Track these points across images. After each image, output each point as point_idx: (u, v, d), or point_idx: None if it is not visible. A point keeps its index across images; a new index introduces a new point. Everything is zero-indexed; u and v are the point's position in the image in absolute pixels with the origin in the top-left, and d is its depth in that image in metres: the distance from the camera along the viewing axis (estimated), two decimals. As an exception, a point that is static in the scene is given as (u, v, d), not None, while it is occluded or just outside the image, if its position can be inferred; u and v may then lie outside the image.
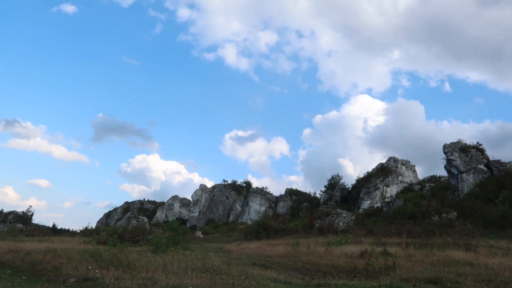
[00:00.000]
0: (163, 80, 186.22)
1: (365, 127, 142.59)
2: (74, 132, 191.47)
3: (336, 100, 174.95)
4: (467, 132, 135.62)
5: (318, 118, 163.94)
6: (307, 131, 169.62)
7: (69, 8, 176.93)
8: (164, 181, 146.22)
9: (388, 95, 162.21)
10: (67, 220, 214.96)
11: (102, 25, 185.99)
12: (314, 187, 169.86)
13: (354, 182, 59.86)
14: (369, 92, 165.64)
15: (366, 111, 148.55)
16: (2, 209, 40.12)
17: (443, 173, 53.71)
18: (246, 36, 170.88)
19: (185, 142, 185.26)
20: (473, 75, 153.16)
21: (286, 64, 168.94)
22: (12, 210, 39.57)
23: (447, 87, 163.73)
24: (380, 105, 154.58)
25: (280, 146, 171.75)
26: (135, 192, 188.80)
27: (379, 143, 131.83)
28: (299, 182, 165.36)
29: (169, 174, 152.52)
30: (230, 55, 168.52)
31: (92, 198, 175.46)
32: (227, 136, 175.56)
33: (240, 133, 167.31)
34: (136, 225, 42.06)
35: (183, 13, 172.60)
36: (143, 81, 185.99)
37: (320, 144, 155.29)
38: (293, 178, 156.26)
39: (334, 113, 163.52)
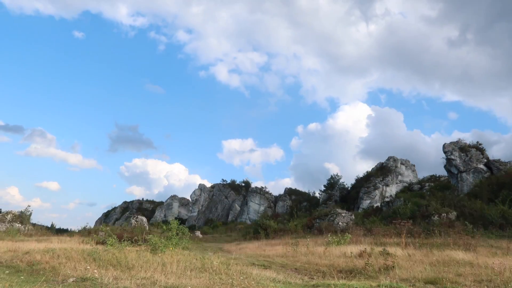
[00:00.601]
0: (166, 96, 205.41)
1: (347, 136, 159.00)
2: (92, 144, 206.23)
3: (320, 112, 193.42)
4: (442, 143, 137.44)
5: (304, 128, 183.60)
6: (294, 140, 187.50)
7: (79, 34, 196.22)
8: (168, 185, 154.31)
9: (366, 109, 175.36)
10: (70, 220, 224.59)
11: (108, 49, 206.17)
12: (305, 189, 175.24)
13: (353, 181, 59.97)
14: (349, 105, 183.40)
15: (348, 121, 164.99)
16: (0, 209, 39.99)
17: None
18: (236, 56, 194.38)
19: (187, 149, 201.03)
20: (447, 96, 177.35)
21: (273, 80, 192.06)
22: (10, 209, 39.50)
23: (421, 103, 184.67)
24: (361, 116, 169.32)
25: (274, 153, 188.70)
26: (141, 195, 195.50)
27: (361, 149, 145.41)
28: (290, 186, 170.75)
29: (173, 177, 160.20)
30: (222, 72, 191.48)
31: (98, 200, 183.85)
32: (225, 143, 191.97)
33: (237, 142, 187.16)
34: (134, 225, 41.97)
35: (181, 36, 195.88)
36: (154, 98, 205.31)
37: (307, 150, 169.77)
38: (285, 181, 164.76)
39: (317, 124, 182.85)
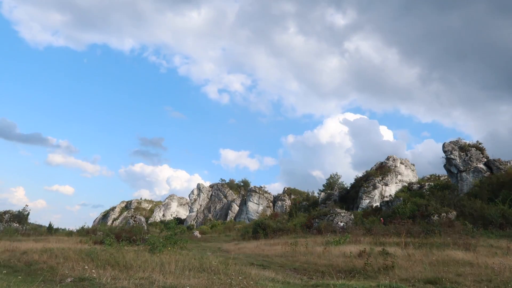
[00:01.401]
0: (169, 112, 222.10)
1: (330, 145, 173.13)
2: (111, 156, 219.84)
3: (303, 126, 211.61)
4: (419, 151, 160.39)
5: (290, 139, 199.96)
6: (282, 150, 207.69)
7: (88, 62, 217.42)
8: (171, 189, 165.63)
9: (344, 124, 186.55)
10: (73, 221, 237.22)
11: (115, 71, 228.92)
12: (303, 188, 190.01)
13: (352, 181, 59.88)
14: (328, 120, 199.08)
15: (328, 133, 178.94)
16: (-3, 208, 39.84)
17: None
18: (225, 77, 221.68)
19: (189, 156, 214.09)
20: (419, 117, 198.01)
21: (259, 99, 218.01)
22: (8, 209, 39.35)
23: (398, 120, 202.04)
24: (340, 129, 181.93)
25: (267, 162, 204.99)
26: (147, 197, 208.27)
27: (344, 156, 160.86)
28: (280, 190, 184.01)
29: (177, 182, 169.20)
30: (212, 91, 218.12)
31: (104, 202, 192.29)
32: (222, 151, 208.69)
33: (233, 152, 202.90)
34: (133, 225, 41.92)
35: (177, 61, 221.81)
36: (164, 116, 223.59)
37: (293, 159, 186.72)
38: (276, 185, 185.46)
39: (302, 136, 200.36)
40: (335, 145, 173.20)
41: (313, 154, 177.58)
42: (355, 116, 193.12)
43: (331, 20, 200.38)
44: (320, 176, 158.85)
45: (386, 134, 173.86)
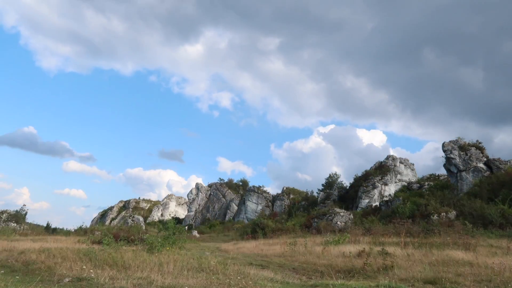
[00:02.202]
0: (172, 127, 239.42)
1: (317, 153, 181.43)
2: (122, 165, 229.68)
3: (289, 138, 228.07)
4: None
5: (279, 150, 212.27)
6: (271, 158, 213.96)
7: (93, 84, 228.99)
8: (173, 191, 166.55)
9: (327, 135, 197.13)
10: (76, 221, 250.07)
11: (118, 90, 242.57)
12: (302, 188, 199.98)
13: (351, 181, 59.76)
14: (313, 132, 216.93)
15: (312, 145, 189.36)
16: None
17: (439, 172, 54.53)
18: (215, 95, 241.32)
19: (190, 164, 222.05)
20: (396, 130, 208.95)
21: (246, 114, 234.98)
22: (5, 209, 39.23)
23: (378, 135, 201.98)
24: (321, 140, 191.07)
25: (260, 169, 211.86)
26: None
27: (325, 162, 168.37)
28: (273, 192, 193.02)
29: (177, 185, 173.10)
30: (204, 107, 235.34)
31: (109, 204, 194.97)
32: (220, 159, 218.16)
33: (228, 161, 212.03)
34: (131, 224, 41.87)
35: (173, 82, 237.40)
36: (170, 129, 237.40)
37: (281, 164, 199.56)
38: (268, 189, 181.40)
39: (289, 147, 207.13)
40: (321, 155, 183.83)
41: (301, 164, 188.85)
42: (337, 127, 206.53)
43: (314, 55, 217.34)
44: (307, 179, 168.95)
45: (368, 138, 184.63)
